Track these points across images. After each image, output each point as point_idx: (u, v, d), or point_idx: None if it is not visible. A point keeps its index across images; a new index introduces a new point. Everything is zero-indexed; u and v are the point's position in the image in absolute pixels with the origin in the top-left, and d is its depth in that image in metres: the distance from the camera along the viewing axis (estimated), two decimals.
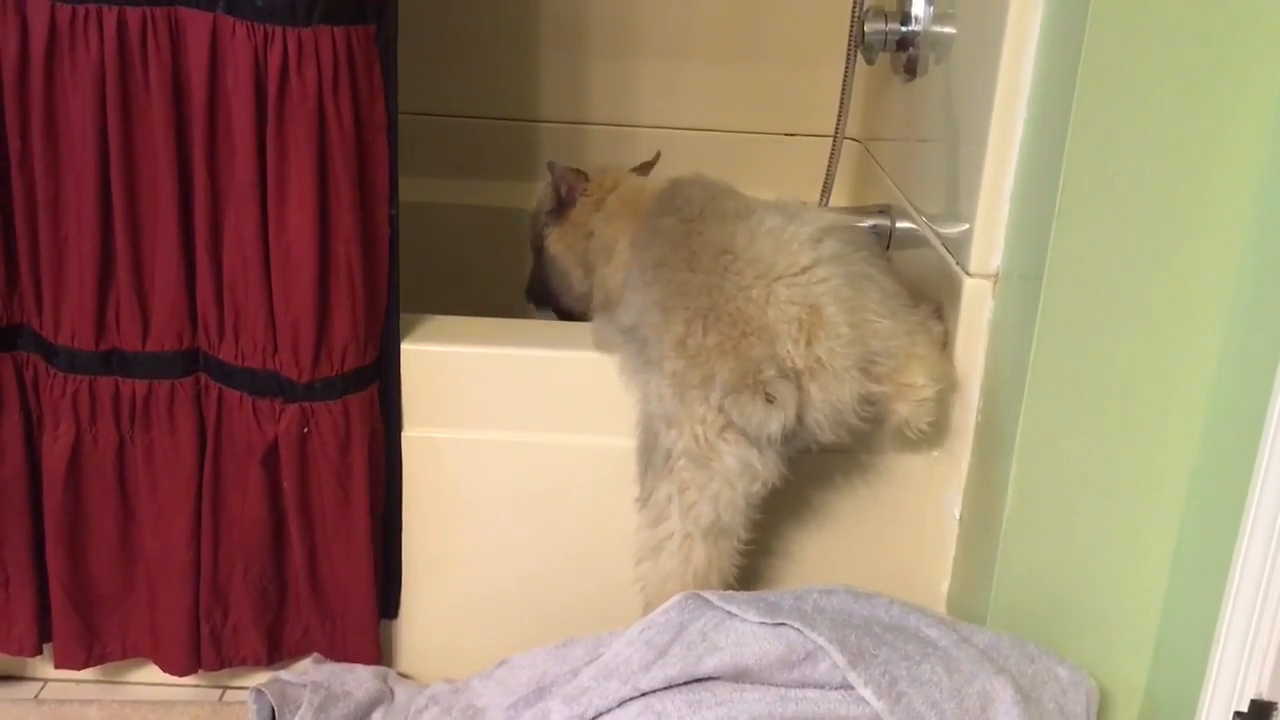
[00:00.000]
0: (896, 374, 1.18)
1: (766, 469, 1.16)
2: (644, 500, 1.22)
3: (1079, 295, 1.09)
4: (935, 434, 1.29)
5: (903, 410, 1.20)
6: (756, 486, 1.17)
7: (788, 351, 1.12)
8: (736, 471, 1.15)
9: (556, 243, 1.48)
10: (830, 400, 1.13)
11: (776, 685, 1.05)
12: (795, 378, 1.12)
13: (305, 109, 1.13)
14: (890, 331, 1.16)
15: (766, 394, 1.10)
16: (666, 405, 1.15)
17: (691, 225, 1.23)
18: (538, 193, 1.56)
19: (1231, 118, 1.03)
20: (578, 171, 1.47)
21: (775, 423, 1.10)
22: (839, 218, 1.26)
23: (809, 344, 1.12)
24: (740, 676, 1.06)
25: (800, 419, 1.13)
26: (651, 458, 1.20)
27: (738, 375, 1.10)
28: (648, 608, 1.23)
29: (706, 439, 1.13)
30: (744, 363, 1.11)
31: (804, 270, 1.15)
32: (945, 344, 1.27)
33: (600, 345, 1.30)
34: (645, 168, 1.55)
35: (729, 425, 1.13)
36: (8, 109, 1.15)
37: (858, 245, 1.22)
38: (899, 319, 1.18)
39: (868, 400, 1.16)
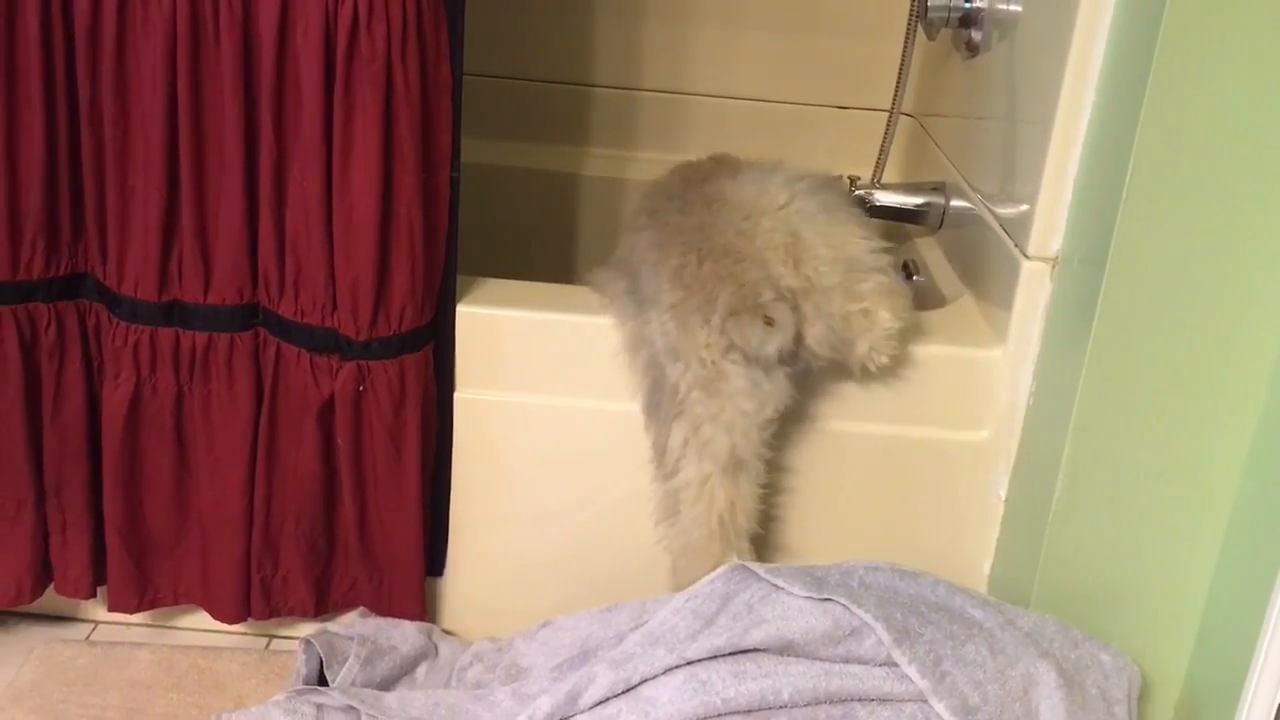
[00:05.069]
0: (873, 295, 1.22)
1: (775, 390, 1.20)
2: (658, 453, 1.25)
3: (1142, 282, 1.08)
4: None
5: (861, 347, 1.23)
6: (769, 410, 1.20)
7: (780, 274, 1.19)
8: (746, 391, 1.18)
9: None
10: (823, 316, 1.19)
11: (821, 660, 1.06)
12: (792, 297, 1.18)
13: (373, 68, 1.13)
14: (866, 249, 1.24)
15: (766, 317, 1.15)
16: (670, 338, 1.19)
17: (690, 184, 1.33)
18: None
19: None
20: None
21: (773, 344, 1.16)
22: (812, 171, 1.36)
23: (796, 266, 1.20)
24: (785, 650, 1.06)
25: (801, 338, 1.19)
26: (659, 402, 1.23)
27: (738, 299, 1.16)
28: (674, 565, 1.25)
29: (713, 362, 1.17)
30: (742, 287, 1.16)
31: (782, 206, 1.25)
32: (914, 299, 1.30)
33: (596, 285, 1.34)
34: None
35: (732, 346, 1.17)
36: (79, 59, 1.16)
37: (829, 186, 1.33)
38: (874, 242, 1.26)
39: (847, 320, 1.21)
